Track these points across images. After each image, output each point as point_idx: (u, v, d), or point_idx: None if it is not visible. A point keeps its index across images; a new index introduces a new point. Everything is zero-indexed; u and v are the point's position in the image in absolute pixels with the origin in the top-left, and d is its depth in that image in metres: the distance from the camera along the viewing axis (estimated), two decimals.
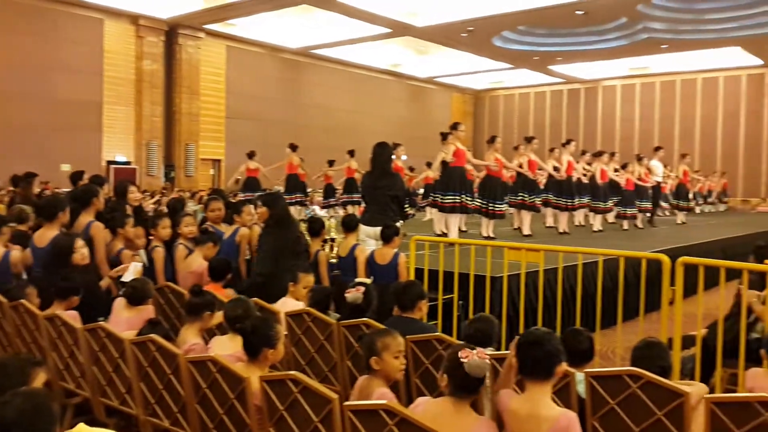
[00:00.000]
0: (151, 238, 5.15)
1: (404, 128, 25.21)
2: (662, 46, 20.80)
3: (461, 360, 2.22)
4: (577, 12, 17.10)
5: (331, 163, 14.78)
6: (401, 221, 6.12)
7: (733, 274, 4.09)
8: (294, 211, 12.98)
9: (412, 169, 14.70)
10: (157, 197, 13.20)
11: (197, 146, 19.90)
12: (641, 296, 4.32)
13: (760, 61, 22.95)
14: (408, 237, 5.64)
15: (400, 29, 18.90)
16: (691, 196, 16.11)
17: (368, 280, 4.02)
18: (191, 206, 11.19)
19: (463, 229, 10.35)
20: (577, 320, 4.51)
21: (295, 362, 3.73)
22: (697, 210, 17.19)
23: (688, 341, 4.35)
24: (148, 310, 3.95)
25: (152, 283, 4.28)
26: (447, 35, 19.88)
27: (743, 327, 3.80)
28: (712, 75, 24.95)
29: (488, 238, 9.43)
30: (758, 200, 23.38)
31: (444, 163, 8.70)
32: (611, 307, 4.60)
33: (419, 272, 5.27)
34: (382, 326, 3.18)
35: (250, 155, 13.06)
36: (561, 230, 10.88)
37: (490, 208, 9.40)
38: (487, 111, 31.04)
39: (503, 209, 9.63)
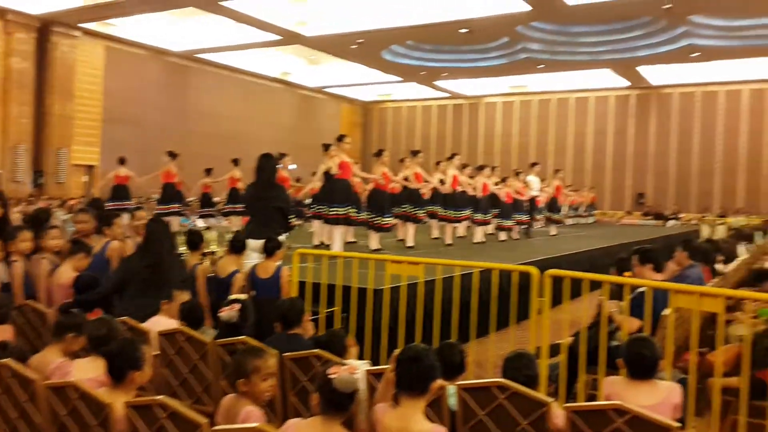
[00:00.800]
0: (10, 251, 4.76)
1: (293, 137, 25.03)
2: (539, 66, 22.03)
3: (329, 376, 2.22)
4: (461, 30, 17.76)
5: (208, 171, 14.20)
6: (286, 233, 6.06)
7: (597, 285, 4.38)
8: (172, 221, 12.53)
9: (298, 180, 14.59)
10: (21, 206, 12.25)
11: (70, 151, 18.70)
12: (512, 306, 4.53)
13: (627, 83, 24.88)
14: (293, 249, 5.58)
15: (290, 37, 18.80)
16: (564, 209, 17.15)
17: (244, 296, 3.93)
18: (60, 215, 10.50)
19: (352, 240, 10.41)
20: (454, 331, 4.66)
21: (166, 384, 3.59)
22: (569, 222, 18.26)
23: (555, 349, 4.61)
24: (4, 331, 3.66)
25: (11, 300, 3.97)
26: (337, 46, 20.01)
27: (603, 335, 4.07)
28: (583, 95, 26.71)
29: (376, 250, 9.53)
30: (623, 213, 25.26)
31: (329, 176, 8.71)
32: (486, 317, 4.78)
33: (302, 285, 5.23)
34: (260, 345, 3.12)
35: (121, 161, 12.46)
36: (447, 242, 11.21)
37: (377, 221, 9.51)
38: (376, 122, 31.48)
39: (390, 222, 9.77)
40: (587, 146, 26.89)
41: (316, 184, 9.05)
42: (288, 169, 10.36)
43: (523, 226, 13.49)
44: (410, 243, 10.41)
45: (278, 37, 18.78)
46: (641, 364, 2.88)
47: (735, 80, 23.48)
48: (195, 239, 5.33)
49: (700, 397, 4.16)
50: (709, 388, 4.01)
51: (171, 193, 12.48)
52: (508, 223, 12.57)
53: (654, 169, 25.55)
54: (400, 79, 25.04)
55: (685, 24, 17.12)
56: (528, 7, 15.55)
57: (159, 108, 21.03)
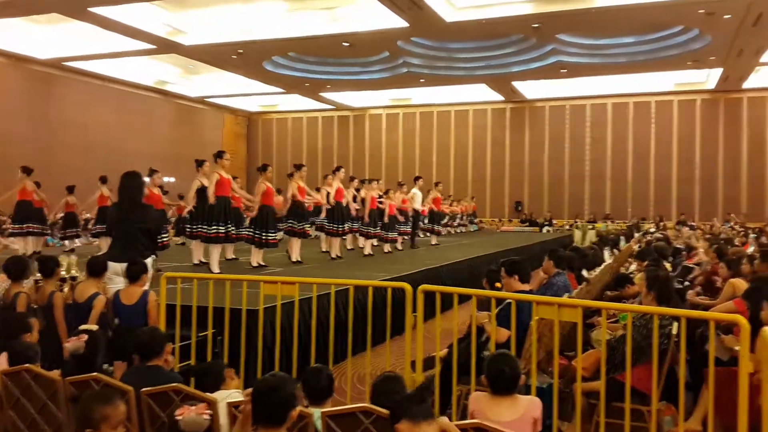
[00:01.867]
0: None
1: (173, 149, 24.11)
2: (420, 80, 22.58)
3: (176, 417, 2.09)
4: (343, 43, 17.86)
5: (71, 189, 13.18)
6: (154, 256, 5.75)
7: (469, 297, 4.47)
8: (31, 242, 11.64)
9: (181, 197, 13.96)
10: None
11: None
12: (388, 322, 4.55)
13: (502, 97, 26.07)
14: (162, 272, 5.30)
15: (166, 46, 18.09)
16: (446, 219, 17.62)
17: (94, 327, 3.65)
18: None
19: (232, 257, 10.11)
20: (331, 348, 4.60)
21: (14, 426, 3.27)
22: (452, 231, 18.80)
23: (429, 362, 4.67)
24: None
25: None
26: (217, 56, 19.50)
27: (474, 347, 4.16)
28: (463, 108, 27.68)
29: (258, 267, 9.31)
30: (503, 221, 26.40)
31: (203, 192, 8.42)
32: (364, 333, 4.76)
33: (171, 309, 4.98)
34: (113, 382, 2.91)
35: None
36: (333, 255, 11.15)
37: (263, 237, 9.30)
38: (260, 134, 30.98)
39: (275, 238, 9.58)
40: (468, 157, 27.85)
41: (190, 203, 8.71)
42: (160, 185, 9.88)
43: (407, 237, 13.73)
44: (296, 257, 10.27)
45: (153, 46, 18.03)
46: (502, 380, 2.94)
47: (599, 94, 25.24)
48: (49, 265, 4.93)
49: (568, 402, 4.36)
50: (574, 393, 4.19)
51: (27, 212, 11.53)
52: (392, 234, 12.73)
53: (529, 178, 26.91)
54: (283, 90, 24.80)
55: (553, 42, 18.16)
56: (405, 24, 15.90)
57: (21, 119, 19.52)
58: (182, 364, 4.62)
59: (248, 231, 9.43)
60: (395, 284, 4.55)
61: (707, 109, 24.58)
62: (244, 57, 19.24)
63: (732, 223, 19.60)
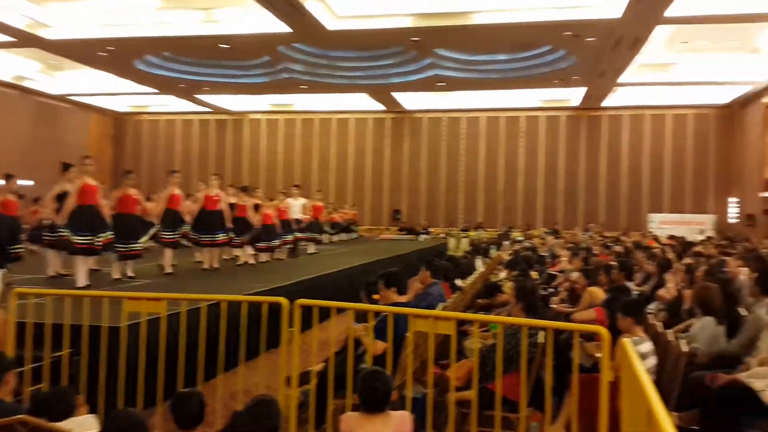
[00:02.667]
0: None
1: (32, 150, 22.31)
2: (302, 87, 22.41)
3: None
4: (221, 45, 17.34)
5: None
6: (3, 269, 5.22)
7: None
8: None
9: (37, 200, 12.90)
10: None
11: None
12: (263, 336, 4.40)
13: (383, 107, 26.48)
14: (14, 286, 4.82)
15: (26, 40, 16.70)
16: (328, 227, 17.56)
17: None
18: None
19: (95, 267, 9.46)
20: (201, 367, 4.38)
21: None
22: (335, 239, 18.77)
23: (305, 377, 4.57)
24: None
25: None
26: (84, 52, 18.27)
27: (350, 360, 4.11)
28: (344, 116, 27.80)
29: (122, 279, 8.77)
30: (382, 229, 26.76)
31: (63, 198, 7.82)
32: (235, 348, 4.58)
33: (22, 327, 4.54)
34: None
35: None
36: (207, 266, 10.74)
37: (124, 248, 8.75)
38: (130, 135, 29.39)
39: (138, 249, 9.05)
40: (349, 165, 28.01)
41: (48, 208, 8.05)
42: (16, 191, 9.03)
43: (287, 246, 13.50)
44: (168, 269, 9.79)
45: (12, 39, 16.60)
46: (374, 397, 2.91)
47: (474, 108, 26.31)
48: None
49: (442, 412, 4.42)
50: (447, 402, 4.25)
51: None
52: (272, 243, 12.47)
53: (408, 187, 27.49)
54: (156, 91, 23.69)
55: (431, 56, 18.67)
56: (288, 29, 15.72)
57: None
58: (33, 388, 4.21)
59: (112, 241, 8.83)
60: (271, 299, 4.42)
61: (571, 125, 26.31)
62: (114, 54, 18.16)
63: (591, 233, 21.05)
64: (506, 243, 16.19)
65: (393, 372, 4.17)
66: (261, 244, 12.10)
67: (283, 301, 4.21)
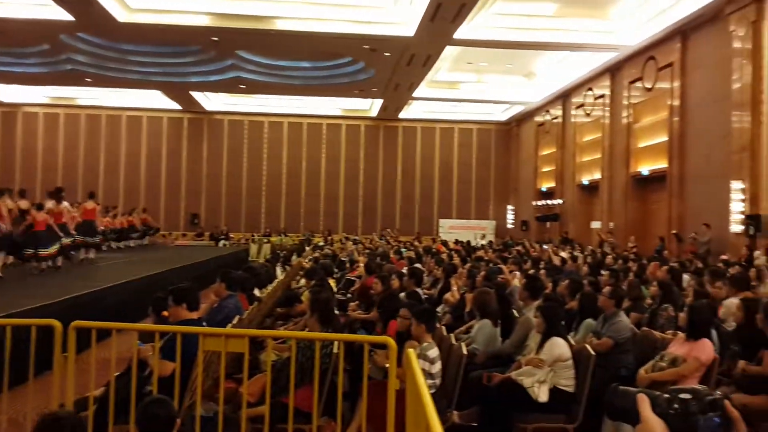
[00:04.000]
0: None
1: None
2: (87, 80, 20.61)
3: None
4: None
5: None
6: None
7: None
8: None
9: None
10: None
11: None
12: (31, 360, 3.94)
13: (179, 106, 25.28)
14: None
15: None
16: (113, 233, 16.28)
17: None
18: None
19: None
20: None
21: None
22: (122, 245, 17.46)
23: (82, 403, 4.17)
24: None
25: None
26: None
27: (134, 383, 3.83)
28: (136, 114, 26.08)
29: None
30: (177, 234, 25.50)
31: None
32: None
33: None
34: None
35: None
36: None
37: None
38: None
39: None
40: (141, 166, 26.34)
41: None
42: None
43: (69, 252, 12.25)
44: None
45: None
46: (155, 426, 2.73)
47: (277, 113, 26.21)
48: None
49: (234, 429, 4.28)
50: (239, 419, 4.14)
51: None
52: (46, 251, 11.21)
53: (207, 191, 26.55)
54: None
55: (232, 57, 18.25)
56: (70, 17, 14.35)
57: None
58: None
59: None
60: (41, 321, 3.96)
61: (370, 135, 27.34)
62: None
63: (387, 238, 22.02)
64: (308, 249, 16.30)
65: (182, 392, 3.97)
66: (29, 251, 10.80)
67: (55, 323, 3.79)
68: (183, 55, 18.31)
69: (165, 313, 4.76)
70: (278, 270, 10.31)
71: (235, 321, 4.96)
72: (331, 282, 8.46)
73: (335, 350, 4.31)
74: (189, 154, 26.52)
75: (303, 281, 8.90)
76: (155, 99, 24.06)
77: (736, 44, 12.92)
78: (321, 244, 18.87)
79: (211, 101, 24.84)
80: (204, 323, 4.65)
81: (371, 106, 25.62)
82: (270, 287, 8.04)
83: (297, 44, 16.55)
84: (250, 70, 19.47)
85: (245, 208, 26.68)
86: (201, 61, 18.74)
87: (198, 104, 24.77)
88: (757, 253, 11.54)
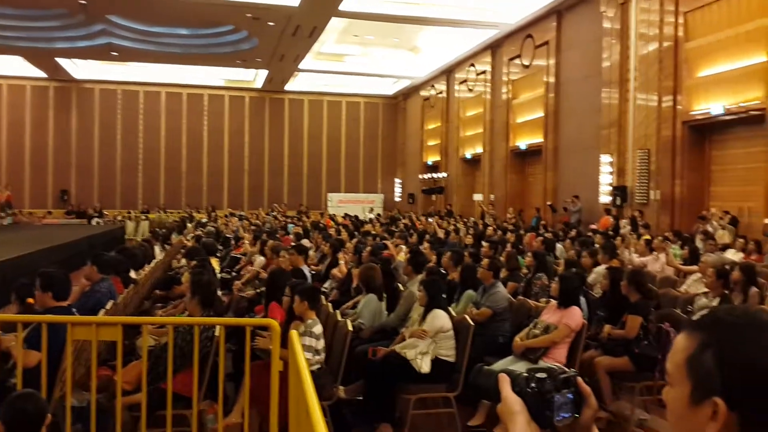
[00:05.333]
0: None
1: None
2: None
3: None
4: None
5: None
6: None
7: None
8: None
9: None
10: None
11: None
12: None
13: (44, 74, 23.37)
14: None
15: None
16: None
17: None
18: None
19: None
20: None
21: None
22: None
23: None
24: None
25: None
26: None
27: None
28: None
29: None
30: (44, 212, 23.76)
31: None
32: None
33: None
34: None
35: None
36: None
37: None
38: None
39: None
40: (1, 139, 24.20)
41: None
42: None
43: None
44: None
45: None
46: (24, 419, 2.53)
47: (154, 82, 24.87)
48: None
49: (111, 417, 4.08)
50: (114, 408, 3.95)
51: None
52: None
53: (77, 165, 24.86)
54: None
55: (103, 22, 17.07)
56: None
57: None
58: None
59: None
60: None
61: (255, 107, 26.65)
62: None
63: (275, 213, 21.70)
64: (189, 226, 15.72)
65: (51, 383, 3.72)
66: None
67: None
68: (48, 18, 16.89)
69: (30, 300, 4.41)
70: (157, 249, 9.86)
71: (108, 306, 4.69)
72: (215, 262, 8.22)
73: (217, 333, 4.19)
74: (56, 125, 24.63)
75: (184, 261, 8.57)
76: (17, 66, 22.07)
77: (606, 24, 13.70)
78: (204, 220, 18.28)
79: (80, 69, 23.13)
80: (74, 310, 4.35)
81: (255, 77, 24.93)
82: (148, 268, 7.68)
83: (173, 10, 15.72)
84: (122, 36, 18.30)
85: (120, 183, 25.25)
86: (68, 25, 17.40)
87: (65, 72, 22.99)
88: (623, 222, 12.44)
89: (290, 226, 13.88)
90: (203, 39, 18.73)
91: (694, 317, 0.96)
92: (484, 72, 19.66)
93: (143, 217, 21.62)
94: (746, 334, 0.90)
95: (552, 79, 15.96)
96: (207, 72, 23.69)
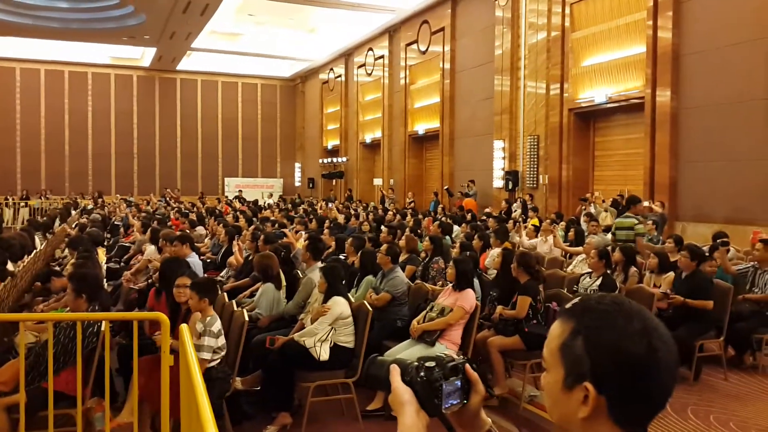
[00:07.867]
0: None
1: None
2: None
3: None
4: None
5: None
6: None
7: None
8: None
9: None
10: None
11: None
12: None
13: None
14: None
15: None
16: None
17: None
18: None
19: None
20: None
21: None
22: None
23: None
24: None
25: None
26: None
27: None
28: None
29: None
30: None
31: None
32: None
33: None
34: None
35: None
36: None
37: None
38: None
39: None
40: None
41: None
42: None
43: None
44: None
45: None
46: None
47: (32, 59, 23.13)
48: None
49: None
50: None
51: None
52: None
53: None
54: None
55: None
56: None
57: None
58: None
59: None
60: None
61: (144, 86, 25.41)
62: None
63: (168, 198, 20.86)
64: (74, 213, 14.80)
65: None
66: None
67: None
68: None
69: None
70: (37, 239, 9.20)
71: None
72: (101, 252, 7.80)
73: (103, 328, 3.97)
74: None
75: (67, 251, 8.07)
76: None
77: (498, 13, 14.11)
78: (90, 207, 17.29)
79: None
80: None
81: (143, 55, 23.72)
82: (27, 259, 7.16)
83: None
84: None
85: None
86: None
87: None
88: (514, 205, 12.94)
89: (187, 212, 13.38)
90: (85, 13, 17.60)
91: (568, 305, 1.01)
92: (382, 56, 19.75)
93: (22, 204, 20.16)
94: (613, 321, 0.94)
95: (447, 66, 16.27)
96: (91, 48, 22.27)
